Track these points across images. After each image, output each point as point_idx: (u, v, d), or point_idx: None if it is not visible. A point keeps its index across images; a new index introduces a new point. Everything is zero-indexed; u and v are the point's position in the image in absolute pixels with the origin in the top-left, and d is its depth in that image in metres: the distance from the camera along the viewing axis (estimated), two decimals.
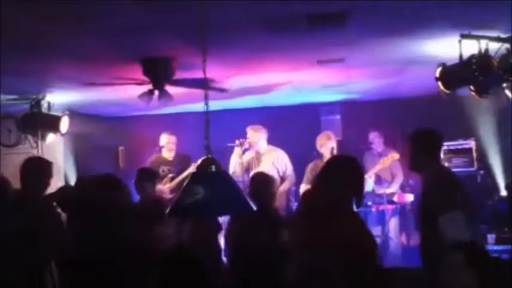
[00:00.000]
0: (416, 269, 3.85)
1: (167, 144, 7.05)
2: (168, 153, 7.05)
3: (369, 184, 6.81)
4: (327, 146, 6.57)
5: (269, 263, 3.70)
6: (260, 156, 6.81)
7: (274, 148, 6.89)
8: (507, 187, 6.99)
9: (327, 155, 6.47)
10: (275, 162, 6.76)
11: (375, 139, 7.67)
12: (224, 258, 6.64)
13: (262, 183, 4.48)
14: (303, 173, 6.82)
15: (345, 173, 3.31)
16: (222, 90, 5.69)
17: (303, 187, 6.41)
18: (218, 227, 5.10)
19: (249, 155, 6.89)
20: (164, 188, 6.71)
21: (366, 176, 6.74)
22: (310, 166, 6.63)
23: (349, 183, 3.28)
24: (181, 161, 6.86)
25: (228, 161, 6.77)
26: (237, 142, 6.75)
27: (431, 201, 3.54)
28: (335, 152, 6.59)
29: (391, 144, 7.64)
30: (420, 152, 3.72)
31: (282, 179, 6.73)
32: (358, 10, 3.82)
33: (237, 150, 6.78)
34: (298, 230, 3.36)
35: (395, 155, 6.94)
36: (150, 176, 5.40)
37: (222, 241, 5.32)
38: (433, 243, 3.47)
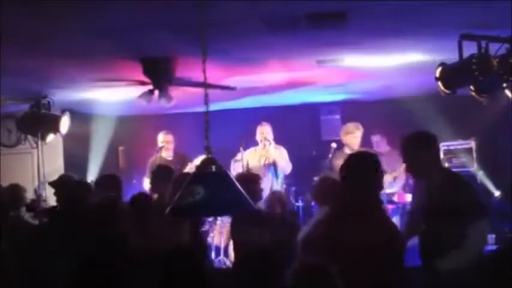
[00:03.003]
0: (416, 269, 3.84)
1: (164, 144, 7.09)
2: (166, 153, 7.08)
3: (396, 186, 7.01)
4: (355, 134, 6.63)
5: (270, 263, 3.70)
6: (268, 151, 6.89)
7: (278, 146, 7.00)
8: (502, 187, 6.97)
9: (353, 145, 6.54)
10: (281, 157, 6.88)
11: (378, 142, 7.64)
12: (224, 258, 6.67)
13: (249, 181, 4.51)
14: (302, 172, 6.84)
15: (370, 168, 3.37)
16: (230, 88, 5.70)
17: None
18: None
19: (258, 150, 6.95)
20: None
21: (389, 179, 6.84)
22: (335, 156, 6.64)
23: (374, 179, 3.36)
24: (180, 161, 6.87)
25: (229, 161, 6.80)
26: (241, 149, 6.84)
27: (454, 205, 3.47)
28: (357, 143, 6.64)
29: (393, 145, 7.64)
30: (425, 157, 3.65)
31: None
32: (358, 10, 3.82)
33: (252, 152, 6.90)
34: (331, 229, 3.38)
35: None
36: (165, 174, 5.24)
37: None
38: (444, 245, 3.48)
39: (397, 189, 7.40)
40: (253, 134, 7.01)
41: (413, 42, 4.86)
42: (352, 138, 6.64)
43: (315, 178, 6.51)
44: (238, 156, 6.91)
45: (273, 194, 5.32)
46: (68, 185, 5.24)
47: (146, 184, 6.86)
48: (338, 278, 2.64)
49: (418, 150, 3.67)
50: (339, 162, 6.34)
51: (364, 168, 3.39)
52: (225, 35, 4.14)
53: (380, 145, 7.65)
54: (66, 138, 7.19)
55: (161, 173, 5.27)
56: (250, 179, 4.69)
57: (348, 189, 3.40)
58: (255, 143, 7.02)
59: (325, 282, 2.62)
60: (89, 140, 8.09)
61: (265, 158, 6.91)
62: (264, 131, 6.89)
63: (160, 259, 2.89)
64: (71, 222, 4.08)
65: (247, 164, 6.77)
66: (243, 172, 5.75)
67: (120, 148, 8.76)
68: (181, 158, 6.94)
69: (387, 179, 6.82)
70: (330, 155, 6.76)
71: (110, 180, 5.18)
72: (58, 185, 5.37)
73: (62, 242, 3.81)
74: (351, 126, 6.84)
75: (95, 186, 5.26)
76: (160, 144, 7.11)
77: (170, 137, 7.12)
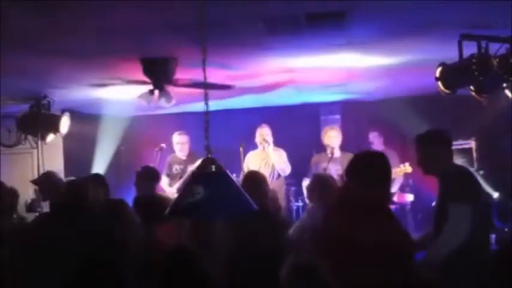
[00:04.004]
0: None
1: (177, 144, 7.18)
2: (180, 153, 7.15)
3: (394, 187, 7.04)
4: (330, 134, 6.73)
5: (269, 264, 3.70)
6: (268, 154, 6.88)
7: (277, 148, 6.99)
8: (502, 187, 6.98)
9: (332, 145, 6.61)
10: (280, 159, 6.86)
11: (375, 139, 7.69)
12: None
13: (255, 182, 4.46)
14: (302, 172, 6.83)
15: (379, 169, 3.43)
16: (227, 87, 5.69)
17: (307, 181, 6.48)
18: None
19: (258, 154, 6.93)
20: (172, 188, 6.86)
21: None
22: (314, 159, 6.70)
23: (384, 180, 3.40)
24: (193, 160, 6.87)
25: (229, 161, 6.78)
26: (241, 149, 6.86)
27: (447, 196, 3.54)
28: (338, 143, 6.69)
29: (390, 144, 7.65)
30: (436, 154, 3.71)
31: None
32: (358, 10, 3.82)
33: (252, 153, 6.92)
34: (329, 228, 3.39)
35: (408, 168, 7.00)
36: (148, 175, 5.34)
37: None
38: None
39: (396, 190, 7.41)
40: (254, 134, 7.01)
41: (413, 42, 4.86)
42: (328, 138, 6.76)
43: (305, 179, 6.59)
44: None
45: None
46: (50, 182, 5.29)
47: (164, 182, 7.00)
48: (331, 277, 2.64)
49: (428, 147, 3.74)
50: (323, 163, 6.52)
51: (371, 167, 3.42)
52: (225, 35, 4.14)
53: (376, 143, 7.67)
54: (66, 138, 7.19)
55: (144, 174, 5.32)
56: (261, 178, 4.64)
57: (352, 188, 3.42)
58: (255, 145, 7.02)
59: (319, 282, 2.62)
60: (89, 140, 8.09)
61: (265, 161, 6.91)
62: (263, 133, 6.90)
63: (161, 259, 2.89)
64: (71, 222, 4.08)
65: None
66: (252, 171, 5.71)
67: (122, 148, 8.76)
68: (195, 158, 6.96)
69: None
70: (313, 156, 6.81)
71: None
72: (41, 182, 5.41)
73: (62, 242, 3.81)
74: (327, 127, 7.11)
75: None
76: (174, 144, 7.18)
77: (185, 138, 7.19)
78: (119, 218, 4.00)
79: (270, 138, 6.88)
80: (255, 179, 4.46)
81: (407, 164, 7.08)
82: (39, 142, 6.60)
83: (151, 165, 6.50)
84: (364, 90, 7.77)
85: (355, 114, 8.43)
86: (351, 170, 3.50)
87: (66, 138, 7.11)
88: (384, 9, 3.82)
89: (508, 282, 2.58)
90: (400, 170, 7.04)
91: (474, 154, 7.66)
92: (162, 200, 4.83)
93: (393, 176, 6.84)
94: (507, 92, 4.57)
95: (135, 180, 5.34)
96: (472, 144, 7.68)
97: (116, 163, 8.42)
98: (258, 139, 6.94)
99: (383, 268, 3.13)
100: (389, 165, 3.54)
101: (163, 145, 7.34)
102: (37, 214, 5.80)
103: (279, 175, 6.90)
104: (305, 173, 6.75)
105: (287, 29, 4.20)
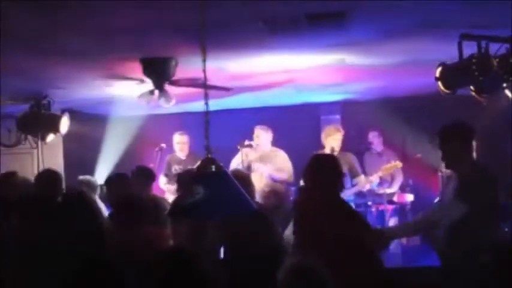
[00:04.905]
0: (415, 269, 3.85)
1: (177, 144, 7.23)
2: (180, 153, 7.21)
3: (373, 184, 6.98)
4: (335, 137, 6.55)
5: (262, 263, 3.71)
6: (263, 156, 6.83)
7: (276, 149, 6.93)
8: (502, 187, 6.96)
9: (335, 147, 6.48)
10: (278, 163, 6.80)
11: (374, 139, 7.69)
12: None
13: (240, 180, 4.44)
14: (302, 172, 6.82)
15: (332, 170, 3.55)
16: (225, 89, 5.69)
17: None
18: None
19: (251, 154, 6.91)
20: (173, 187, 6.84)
21: (371, 179, 6.78)
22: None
23: (333, 180, 3.53)
24: (193, 161, 6.86)
25: (229, 161, 6.78)
26: (245, 143, 6.80)
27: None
28: (338, 145, 6.58)
29: (390, 144, 7.65)
30: (456, 150, 3.74)
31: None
32: (358, 10, 3.82)
33: (240, 153, 6.83)
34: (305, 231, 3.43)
35: (399, 164, 6.99)
36: (144, 175, 5.33)
37: None
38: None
39: (396, 189, 7.41)
40: (253, 134, 7.00)
41: (414, 42, 4.86)
42: (332, 140, 6.55)
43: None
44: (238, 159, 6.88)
45: (268, 186, 5.30)
46: (14, 183, 5.28)
47: (161, 182, 7.04)
48: (330, 278, 2.65)
49: (448, 140, 3.76)
50: None
51: (324, 170, 3.50)
52: (225, 35, 4.14)
53: (376, 143, 7.67)
54: (66, 138, 7.19)
55: (140, 174, 5.32)
56: (246, 177, 4.62)
57: (311, 191, 3.48)
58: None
59: (318, 283, 2.62)
60: (89, 140, 8.09)
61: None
62: (258, 134, 6.87)
63: (159, 260, 2.89)
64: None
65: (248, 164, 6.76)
66: (236, 170, 5.70)
67: (123, 148, 8.76)
68: (196, 158, 6.95)
69: (374, 178, 6.83)
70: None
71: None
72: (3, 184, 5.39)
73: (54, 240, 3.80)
74: (331, 128, 6.75)
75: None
76: (174, 144, 7.23)
77: (185, 138, 7.24)
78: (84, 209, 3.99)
79: (262, 140, 6.82)
80: (239, 179, 4.45)
81: (397, 161, 7.10)
82: (39, 142, 6.61)
83: (151, 165, 6.52)
84: (364, 90, 7.77)
85: (355, 114, 8.41)
86: (304, 174, 3.59)
87: (66, 138, 7.11)
88: (384, 9, 3.82)
89: (508, 282, 2.58)
90: (390, 166, 7.03)
91: (474, 154, 7.65)
92: (157, 201, 4.84)
93: (382, 172, 6.92)
94: (507, 92, 4.57)
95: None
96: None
97: (120, 163, 8.42)
98: (254, 140, 6.93)
99: (355, 266, 3.18)
100: (334, 167, 3.62)
101: (163, 145, 7.35)
102: None
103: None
104: None
105: (287, 29, 4.20)
